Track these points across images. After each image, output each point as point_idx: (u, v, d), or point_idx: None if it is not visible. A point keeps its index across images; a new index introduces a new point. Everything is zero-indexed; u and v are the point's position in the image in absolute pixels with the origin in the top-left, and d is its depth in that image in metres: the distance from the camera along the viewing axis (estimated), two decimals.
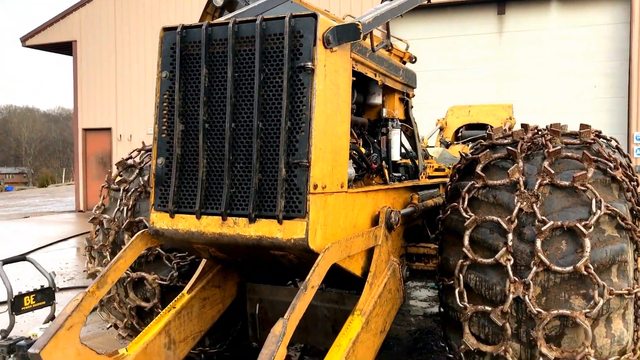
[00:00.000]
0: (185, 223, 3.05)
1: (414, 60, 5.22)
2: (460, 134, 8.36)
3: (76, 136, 17.26)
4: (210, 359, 4.49)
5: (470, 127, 8.51)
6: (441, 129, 8.46)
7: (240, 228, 2.90)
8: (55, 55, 19.15)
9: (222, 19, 3.54)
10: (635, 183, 3.42)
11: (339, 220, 3.06)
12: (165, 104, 3.17)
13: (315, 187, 2.79)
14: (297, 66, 2.80)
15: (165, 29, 3.19)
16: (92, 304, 2.99)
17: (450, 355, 3.47)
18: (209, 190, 3.01)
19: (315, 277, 2.68)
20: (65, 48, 17.46)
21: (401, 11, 3.57)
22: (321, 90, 2.82)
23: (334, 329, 3.55)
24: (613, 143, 3.70)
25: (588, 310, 2.97)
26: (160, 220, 3.13)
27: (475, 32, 12.13)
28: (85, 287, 3.08)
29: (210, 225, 2.98)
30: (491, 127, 8.00)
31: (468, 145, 7.28)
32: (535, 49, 11.96)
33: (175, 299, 3.56)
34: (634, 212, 3.36)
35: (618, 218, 3.09)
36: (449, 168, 5.32)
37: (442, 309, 3.63)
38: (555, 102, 11.75)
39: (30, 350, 2.70)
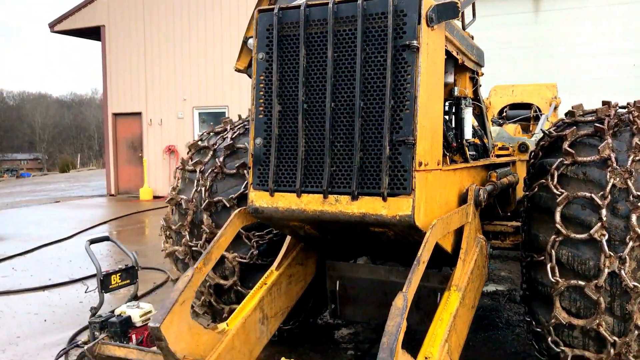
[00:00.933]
0: (285, 201, 3.12)
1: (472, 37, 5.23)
2: (505, 114, 8.34)
3: (106, 121, 17.42)
4: (281, 335, 4.58)
5: (514, 106, 8.49)
6: (486, 108, 8.45)
7: (343, 205, 2.96)
8: (63, 39, 19.08)
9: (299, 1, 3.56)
10: None
11: (436, 197, 3.11)
12: (261, 85, 3.22)
13: (420, 164, 2.84)
14: (401, 45, 2.84)
15: (261, 11, 3.23)
16: (200, 280, 3.09)
17: (538, 330, 3.52)
18: (309, 169, 3.07)
19: (426, 252, 2.74)
20: (93, 33, 17.57)
21: None
22: (424, 68, 2.85)
23: (417, 306, 3.61)
24: None
25: None
26: (259, 199, 3.20)
27: (510, 11, 12.02)
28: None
29: (311, 203, 3.04)
30: (537, 106, 8.02)
31: (517, 125, 7.26)
32: (572, 28, 11.83)
33: (265, 275, 3.64)
34: None
35: None
36: (511, 147, 5.35)
37: (526, 284, 3.68)
38: (594, 81, 11.63)
39: (151, 324, 2.80)
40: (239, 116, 5.18)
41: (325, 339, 4.92)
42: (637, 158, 3.24)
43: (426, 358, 2.73)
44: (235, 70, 5.81)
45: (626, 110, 3.62)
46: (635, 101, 3.66)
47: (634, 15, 11.33)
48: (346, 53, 2.97)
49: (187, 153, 4.79)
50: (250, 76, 5.89)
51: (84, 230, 10.88)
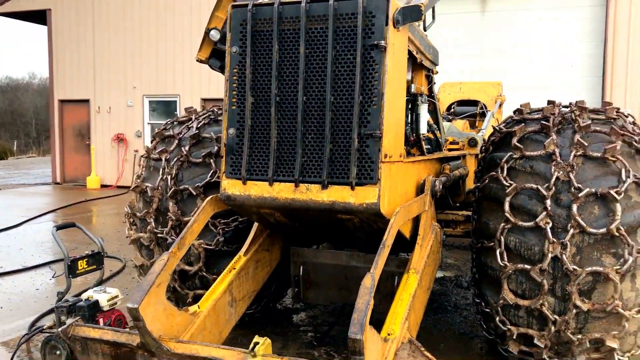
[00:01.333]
0: (258, 189, 3.29)
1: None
2: (453, 110, 8.70)
3: (52, 108, 16.94)
4: (243, 320, 4.74)
5: (461, 103, 8.87)
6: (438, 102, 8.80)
7: (313, 194, 3.16)
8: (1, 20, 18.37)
9: None
10: None
11: (397, 187, 3.35)
12: (235, 77, 3.37)
13: (385, 156, 3.06)
14: (369, 44, 3.05)
15: (234, 6, 3.37)
16: (174, 264, 3.22)
17: (487, 310, 3.82)
18: (281, 159, 3.25)
19: (390, 237, 2.97)
20: (38, 17, 17.03)
21: None
22: (390, 67, 3.08)
23: (377, 288, 3.83)
24: (630, 119, 4.07)
25: (618, 267, 3.35)
26: (232, 187, 3.36)
27: (459, 10, 12.47)
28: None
29: (283, 191, 3.23)
30: (483, 103, 8.42)
31: (465, 121, 7.62)
32: (516, 29, 12.40)
33: (234, 260, 3.80)
34: None
35: None
36: (461, 141, 5.66)
37: (476, 269, 3.98)
38: (535, 79, 12.23)
39: (129, 305, 2.92)
40: (203, 107, 5.28)
41: (285, 322, 5.11)
42: (579, 153, 3.56)
43: (389, 334, 2.97)
44: (197, 60, 5.90)
45: (569, 109, 3.96)
46: (577, 101, 4.00)
47: (573, 19, 11.98)
48: (317, 50, 3.16)
49: (152, 142, 4.86)
50: (212, 67, 6.02)
51: (32, 218, 10.66)
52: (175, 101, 15.51)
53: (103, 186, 16.23)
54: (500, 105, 8.45)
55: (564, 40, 12.06)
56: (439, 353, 4.08)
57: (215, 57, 5.91)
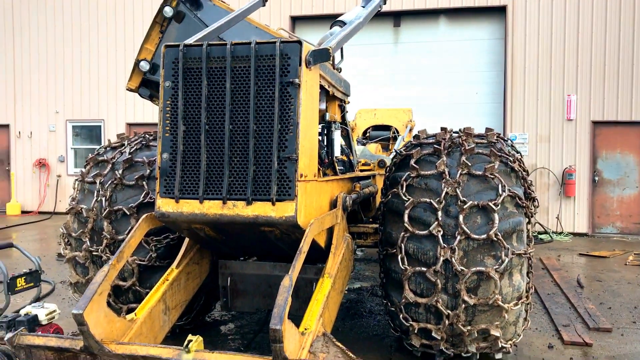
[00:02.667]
0: (189, 207, 3.72)
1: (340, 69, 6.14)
2: (368, 134, 9.41)
3: None
4: (174, 331, 5.09)
5: (376, 128, 9.61)
6: (352, 130, 9.48)
7: (239, 209, 3.63)
8: None
9: (197, 38, 4.18)
10: (526, 173, 4.54)
11: (313, 202, 3.87)
12: (168, 108, 3.80)
13: (301, 176, 3.58)
14: (285, 81, 3.58)
15: (167, 46, 3.82)
16: (114, 275, 3.58)
17: (392, 309, 4.39)
18: (210, 179, 3.70)
19: (306, 244, 3.47)
20: None
21: (352, 36, 4.43)
22: (304, 100, 3.61)
23: (297, 294, 4.33)
24: (509, 142, 4.81)
25: (497, 266, 4.00)
26: (165, 205, 3.77)
27: (374, 42, 13.34)
28: None
29: (212, 207, 3.67)
30: (395, 128, 9.19)
31: (378, 144, 8.31)
32: (426, 59, 13.40)
33: (167, 272, 4.18)
34: (526, 194, 4.47)
35: (517, 198, 4.17)
36: (372, 163, 6.28)
37: (383, 274, 4.55)
38: (444, 106, 13.24)
39: (74, 311, 3.26)
40: (135, 133, 5.62)
41: (214, 333, 5.49)
42: (464, 172, 4.22)
43: (305, 329, 3.46)
44: (127, 89, 6.31)
45: (458, 135, 4.64)
46: (464, 128, 4.69)
47: (477, 51, 13.11)
48: (241, 85, 3.65)
49: (85, 166, 5.16)
50: (141, 96, 6.43)
51: None
52: (100, 126, 15.48)
53: (24, 212, 15.87)
54: (411, 130, 9.23)
55: (469, 70, 13.16)
56: (354, 351, 4.59)
57: (144, 86, 6.32)
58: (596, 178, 12.54)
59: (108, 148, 5.33)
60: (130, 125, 15.25)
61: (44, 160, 15.74)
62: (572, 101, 12.44)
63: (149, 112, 15.00)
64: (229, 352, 3.21)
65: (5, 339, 3.82)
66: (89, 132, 15.77)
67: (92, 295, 3.36)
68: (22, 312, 4.34)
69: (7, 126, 16.09)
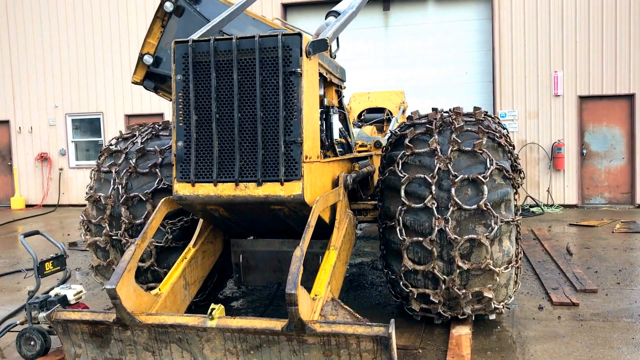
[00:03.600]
0: (204, 189, 4.06)
1: (334, 56, 6.46)
2: (363, 117, 9.75)
3: None
4: (190, 308, 5.45)
5: (370, 110, 9.94)
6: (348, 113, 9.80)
7: (250, 190, 3.97)
8: None
9: (201, 33, 4.50)
10: (512, 147, 4.90)
11: (317, 182, 4.22)
12: (180, 100, 4.12)
13: (306, 157, 3.93)
14: (288, 71, 3.90)
15: (177, 42, 4.13)
16: (139, 254, 3.93)
17: (393, 277, 4.76)
18: (222, 164, 4.04)
19: (313, 219, 3.83)
20: None
21: (347, 25, 4.75)
22: (305, 88, 3.95)
23: (305, 267, 4.67)
24: (496, 119, 5.16)
25: (487, 233, 4.38)
26: (182, 189, 4.11)
27: (365, 26, 13.61)
28: None
29: (226, 189, 4.02)
30: (389, 110, 9.52)
31: (373, 126, 8.65)
32: (416, 41, 13.71)
33: (185, 251, 4.55)
34: (513, 167, 4.83)
35: (504, 171, 4.53)
36: (369, 144, 6.63)
37: (383, 245, 4.92)
38: (435, 86, 13.58)
39: (108, 286, 3.61)
40: (138, 125, 5.92)
41: (227, 308, 5.84)
42: (454, 148, 4.58)
43: (316, 295, 3.83)
44: (132, 82, 6.63)
45: (448, 114, 4.99)
46: (454, 107, 5.04)
47: (465, 31, 13.42)
48: (247, 76, 3.98)
49: (99, 157, 5.49)
50: (146, 88, 6.75)
51: None
52: (99, 118, 15.74)
53: (28, 206, 16.19)
54: (404, 112, 9.57)
55: (458, 50, 13.48)
56: None
57: (148, 79, 6.63)
58: (584, 151, 12.93)
59: (120, 139, 5.65)
60: (128, 116, 15.52)
61: (46, 154, 16.01)
62: (558, 77, 12.79)
63: (147, 103, 15.27)
64: (248, 317, 3.58)
65: (43, 316, 4.19)
66: (89, 125, 16.03)
67: (122, 272, 3.72)
68: (52, 293, 4.70)
69: (7, 122, 16.34)
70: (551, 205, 12.87)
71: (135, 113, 15.42)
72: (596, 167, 12.95)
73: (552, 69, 12.83)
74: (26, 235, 4.71)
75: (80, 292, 4.77)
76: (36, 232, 4.85)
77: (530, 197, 12.93)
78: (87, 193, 5.32)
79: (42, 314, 4.48)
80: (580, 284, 6.15)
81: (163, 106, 15.03)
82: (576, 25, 12.69)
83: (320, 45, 4.08)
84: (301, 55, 3.90)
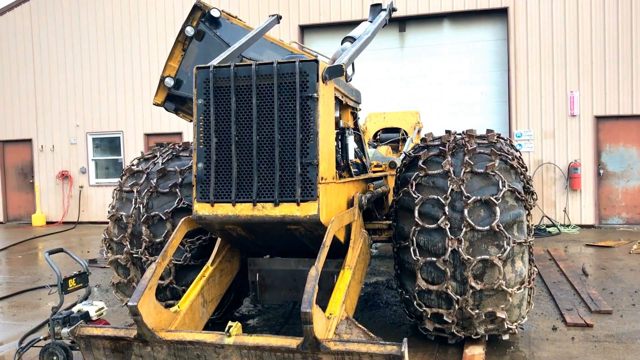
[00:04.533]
0: (223, 209, 4.19)
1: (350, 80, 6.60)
2: (378, 137, 9.87)
3: None
4: (206, 326, 5.56)
5: (386, 130, 10.07)
6: (363, 133, 9.94)
7: (268, 210, 4.09)
8: None
9: (222, 58, 4.68)
10: (524, 169, 4.98)
11: (332, 202, 4.33)
12: (201, 123, 4.27)
13: (322, 179, 4.04)
14: (305, 96, 4.04)
15: (199, 68, 4.29)
16: (160, 272, 4.05)
17: (407, 297, 4.83)
18: (241, 185, 4.17)
19: (328, 239, 3.93)
20: None
21: (362, 50, 4.89)
22: (322, 112, 4.08)
23: (320, 286, 4.77)
24: (509, 141, 5.25)
25: (500, 254, 4.44)
26: (202, 209, 4.24)
27: (381, 47, 13.80)
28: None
29: (244, 209, 4.14)
30: (404, 130, 9.64)
31: (388, 146, 8.76)
32: (432, 62, 13.86)
33: (203, 269, 4.66)
34: (525, 189, 4.90)
35: (516, 192, 4.61)
36: (384, 164, 6.74)
37: (398, 265, 5.00)
38: (451, 106, 13.69)
39: (130, 303, 3.73)
40: (158, 145, 6.10)
41: (243, 326, 5.93)
42: (467, 170, 4.67)
43: (331, 314, 3.92)
44: (154, 104, 6.82)
45: (461, 137, 5.09)
46: (467, 130, 5.14)
47: (481, 52, 13.54)
48: (266, 100, 4.12)
49: (121, 177, 5.66)
50: (167, 110, 6.95)
51: None
52: (119, 137, 16.06)
53: (49, 223, 16.50)
54: (419, 132, 9.68)
55: (473, 71, 13.60)
56: None
57: (169, 100, 6.83)
58: (601, 171, 12.91)
59: (141, 160, 5.82)
60: (147, 135, 15.81)
61: (66, 172, 16.34)
62: (575, 97, 12.83)
63: (166, 123, 15.55)
64: (264, 335, 3.68)
65: (66, 331, 4.32)
66: (109, 144, 16.35)
67: (143, 289, 3.84)
68: (75, 309, 4.84)
69: (29, 140, 16.74)
70: (568, 226, 12.83)
71: (154, 132, 15.71)
72: (613, 187, 12.91)
73: (568, 89, 12.88)
74: (51, 252, 4.87)
75: (102, 308, 4.90)
76: (60, 250, 5.00)
77: (547, 217, 12.91)
78: (109, 212, 5.48)
79: (65, 330, 4.62)
80: (595, 305, 6.16)
81: (182, 126, 15.31)
82: (592, 45, 12.75)
83: (336, 71, 4.22)
84: (318, 80, 4.03)
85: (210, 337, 3.71)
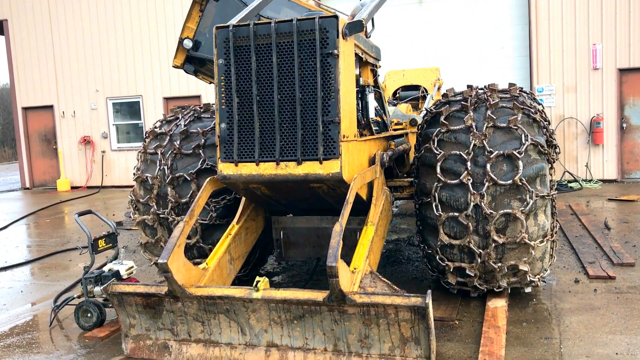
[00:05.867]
0: (247, 169, 4.25)
1: (369, 36, 6.54)
2: (398, 95, 9.80)
3: (16, 116, 17.36)
4: (233, 282, 5.70)
5: (405, 88, 9.98)
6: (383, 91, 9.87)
7: (291, 169, 4.14)
8: None
9: (240, 17, 4.66)
10: (547, 122, 4.94)
11: (354, 160, 4.36)
12: (222, 83, 4.29)
13: (344, 136, 4.07)
14: (326, 53, 4.03)
15: (218, 27, 4.29)
16: (188, 230, 4.15)
17: (429, 252, 4.89)
18: (263, 144, 4.21)
19: (352, 196, 3.98)
20: None
21: (381, 5, 4.83)
22: (342, 68, 4.07)
23: (343, 242, 4.84)
24: (531, 95, 5.20)
25: (523, 208, 4.46)
26: (226, 169, 4.30)
27: (399, 3, 13.58)
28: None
29: (267, 169, 4.20)
30: (424, 87, 9.55)
31: (408, 104, 8.71)
32: (451, 17, 13.60)
33: (229, 228, 4.77)
34: (548, 142, 4.87)
35: (539, 146, 4.59)
36: (404, 122, 6.72)
37: (420, 221, 5.04)
38: (471, 62, 13.48)
39: (160, 261, 3.85)
40: (180, 107, 6.14)
41: (269, 282, 6.08)
42: (490, 125, 4.65)
43: (355, 268, 4.00)
44: (173, 66, 6.85)
45: (483, 91, 5.05)
46: (489, 84, 5.10)
47: (501, 6, 13.25)
48: (286, 59, 4.12)
49: (145, 139, 5.73)
50: (186, 72, 6.97)
51: (15, 220, 11.30)
52: (139, 102, 16.14)
53: (73, 188, 16.79)
54: (439, 89, 9.58)
55: (493, 25, 13.33)
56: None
57: (188, 62, 6.85)
58: (624, 125, 12.71)
59: (164, 122, 5.88)
60: (166, 99, 15.87)
61: (88, 137, 16.54)
62: (597, 50, 12.55)
63: (185, 86, 15.58)
64: (291, 289, 3.78)
65: (99, 289, 4.46)
66: (129, 108, 16.47)
67: (172, 247, 3.95)
68: (105, 268, 5.00)
69: (51, 107, 16.91)
70: (590, 180, 12.73)
71: (173, 95, 15.76)
72: (636, 141, 12.73)
73: (591, 42, 12.59)
74: (80, 214, 5.00)
75: (132, 267, 5.05)
76: (89, 212, 5.12)
77: (569, 172, 12.81)
78: (134, 174, 5.57)
79: (98, 288, 4.78)
80: (618, 258, 6.17)
81: (200, 88, 15.32)
82: None
83: (356, 27, 4.18)
84: (338, 37, 4.01)
85: (239, 291, 3.82)
